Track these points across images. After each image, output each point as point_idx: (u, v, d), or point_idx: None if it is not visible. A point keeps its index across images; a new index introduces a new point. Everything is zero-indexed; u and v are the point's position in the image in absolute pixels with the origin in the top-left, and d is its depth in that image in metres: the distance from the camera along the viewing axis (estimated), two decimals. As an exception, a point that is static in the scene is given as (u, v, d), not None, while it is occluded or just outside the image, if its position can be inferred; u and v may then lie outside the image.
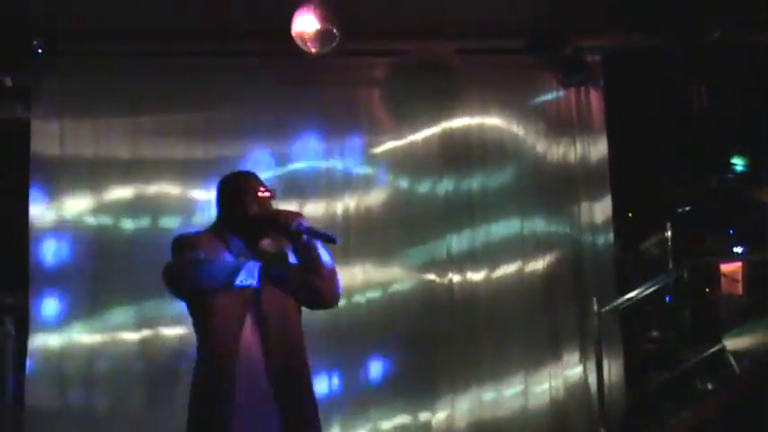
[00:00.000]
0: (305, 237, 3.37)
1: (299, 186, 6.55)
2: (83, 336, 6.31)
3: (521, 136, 6.76)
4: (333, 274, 3.47)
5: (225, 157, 6.45)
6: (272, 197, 3.55)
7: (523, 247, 6.67)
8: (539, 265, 6.69)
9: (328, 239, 3.38)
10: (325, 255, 3.42)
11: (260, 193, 3.52)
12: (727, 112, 6.68)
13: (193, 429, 3.39)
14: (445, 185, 6.68)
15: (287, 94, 6.55)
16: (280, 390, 3.37)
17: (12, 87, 6.27)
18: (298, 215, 3.41)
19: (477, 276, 6.63)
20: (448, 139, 6.72)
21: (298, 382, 3.46)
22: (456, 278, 6.60)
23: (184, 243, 3.48)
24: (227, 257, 3.43)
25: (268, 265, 3.38)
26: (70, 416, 6.22)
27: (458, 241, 6.63)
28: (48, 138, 6.43)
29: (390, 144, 6.68)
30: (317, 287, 3.42)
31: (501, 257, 6.66)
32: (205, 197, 6.44)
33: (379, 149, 6.68)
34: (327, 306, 3.54)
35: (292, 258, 3.47)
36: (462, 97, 6.69)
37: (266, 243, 3.53)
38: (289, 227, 3.35)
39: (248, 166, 6.40)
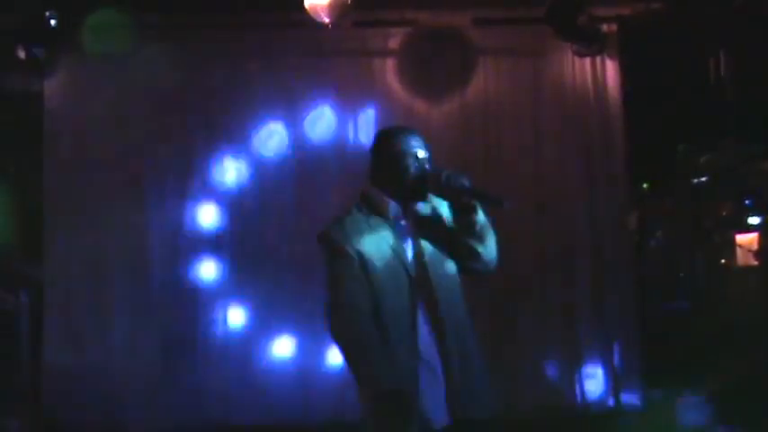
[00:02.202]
0: (468, 197, 3.24)
1: (312, 158, 6.58)
2: (99, 303, 6.42)
3: (536, 106, 6.69)
4: (491, 237, 3.33)
5: (239, 127, 6.56)
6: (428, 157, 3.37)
7: (539, 219, 6.62)
8: (554, 236, 6.63)
9: (495, 202, 3.24)
10: (482, 217, 3.27)
11: (420, 155, 3.33)
12: (744, 81, 6.61)
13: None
14: (460, 156, 6.51)
15: (301, 65, 6.58)
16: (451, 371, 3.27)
17: (25, 60, 6.22)
18: (461, 175, 3.26)
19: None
20: (463, 109, 6.67)
21: (471, 365, 3.35)
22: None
23: (339, 260, 3.28)
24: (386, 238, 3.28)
25: (424, 229, 3.30)
26: (86, 382, 6.33)
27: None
28: (61, 110, 6.49)
29: (404, 116, 6.54)
30: (475, 251, 3.29)
31: (516, 231, 6.41)
32: (222, 166, 6.57)
33: (392, 121, 6.56)
34: (483, 271, 3.39)
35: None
36: (478, 67, 6.64)
37: (422, 207, 3.39)
38: (453, 185, 3.22)
39: (262, 137, 6.56)
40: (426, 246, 3.33)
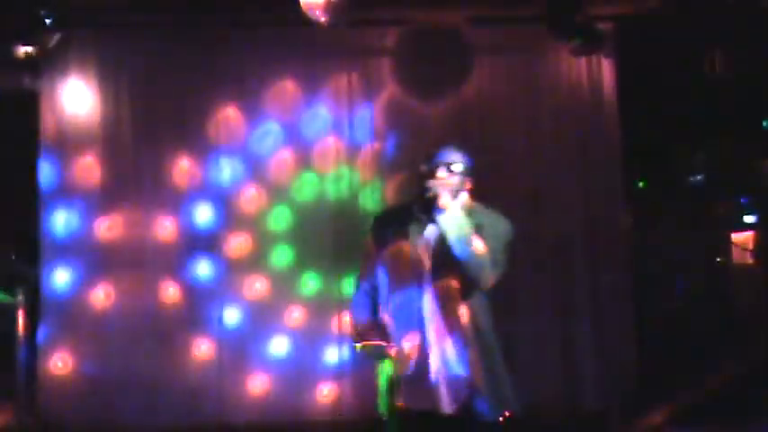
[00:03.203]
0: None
1: (309, 158, 6.56)
2: (94, 303, 6.42)
3: (532, 106, 6.67)
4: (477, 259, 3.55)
5: (235, 126, 6.57)
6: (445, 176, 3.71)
7: (535, 218, 6.56)
8: (549, 233, 6.59)
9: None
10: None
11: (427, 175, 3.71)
12: (741, 79, 6.59)
13: None
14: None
15: (297, 64, 6.59)
16: None
17: (20, 58, 6.16)
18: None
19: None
20: (459, 108, 6.65)
21: None
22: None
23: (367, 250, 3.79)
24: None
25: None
26: (82, 382, 6.35)
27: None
28: (56, 108, 6.49)
29: (401, 115, 6.63)
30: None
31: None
32: (214, 170, 6.56)
33: (389, 120, 6.64)
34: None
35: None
36: (474, 66, 6.60)
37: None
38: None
39: (258, 137, 6.57)
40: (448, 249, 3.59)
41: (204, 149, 6.58)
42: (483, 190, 6.08)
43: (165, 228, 6.54)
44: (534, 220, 6.54)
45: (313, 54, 6.56)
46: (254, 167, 6.60)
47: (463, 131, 6.58)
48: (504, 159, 6.59)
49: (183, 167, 6.58)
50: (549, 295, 6.58)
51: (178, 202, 6.56)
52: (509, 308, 6.34)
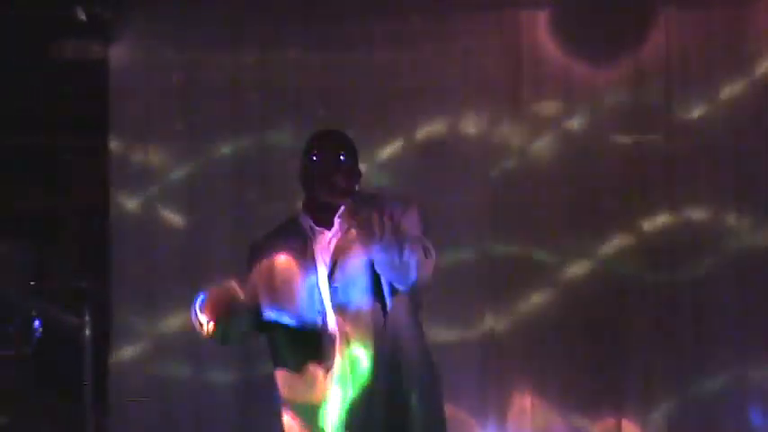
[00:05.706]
0: None
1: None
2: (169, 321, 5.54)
3: (735, 72, 5.45)
4: None
5: (338, 96, 5.58)
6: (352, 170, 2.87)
7: (738, 218, 5.43)
8: (758, 238, 5.41)
9: None
10: None
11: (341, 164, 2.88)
12: None
13: None
14: (632, 130, 5.54)
15: (429, 21, 5.58)
16: None
17: (86, 22, 5.45)
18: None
19: (677, 269, 5.46)
20: (637, 73, 5.51)
21: None
22: (650, 271, 5.47)
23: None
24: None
25: None
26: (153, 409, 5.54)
27: (650, 224, 5.49)
28: (130, 83, 5.61)
29: (561, 79, 5.57)
30: None
31: (707, 232, 5.44)
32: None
33: (542, 93, 5.59)
34: None
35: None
36: (657, 20, 5.48)
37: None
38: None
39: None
40: None
41: (298, 129, 5.39)
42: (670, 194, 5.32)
43: (252, 224, 5.29)
44: (737, 223, 5.43)
45: (449, 9, 5.56)
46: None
47: (642, 105, 5.51)
48: (695, 135, 5.47)
49: (285, 152, 5.44)
50: (756, 319, 5.40)
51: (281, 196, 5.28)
52: (708, 334, 5.40)
